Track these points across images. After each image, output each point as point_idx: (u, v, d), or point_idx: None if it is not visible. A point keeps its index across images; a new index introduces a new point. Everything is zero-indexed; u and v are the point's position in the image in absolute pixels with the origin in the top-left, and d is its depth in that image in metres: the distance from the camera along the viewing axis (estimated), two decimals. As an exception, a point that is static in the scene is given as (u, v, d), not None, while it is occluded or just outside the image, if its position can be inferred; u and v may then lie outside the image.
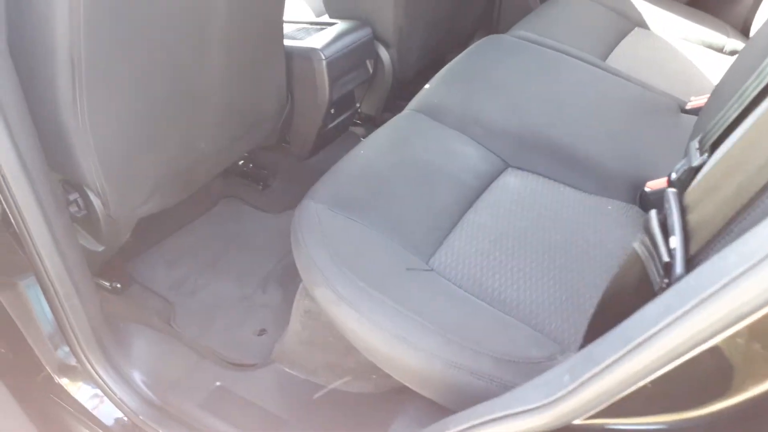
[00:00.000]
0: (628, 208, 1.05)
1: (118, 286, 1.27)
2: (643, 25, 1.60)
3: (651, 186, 1.04)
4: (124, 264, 1.32)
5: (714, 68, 1.46)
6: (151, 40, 0.92)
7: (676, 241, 0.51)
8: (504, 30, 1.51)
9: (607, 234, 0.99)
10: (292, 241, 0.93)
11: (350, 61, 1.39)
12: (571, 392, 0.48)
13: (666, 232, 0.52)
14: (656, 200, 1.03)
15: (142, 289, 1.30)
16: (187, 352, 1.18)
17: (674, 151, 1.15)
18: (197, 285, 1.32)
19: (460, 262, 0.90)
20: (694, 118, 1.24)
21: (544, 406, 0.50)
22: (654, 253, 0.54)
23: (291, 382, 1.11)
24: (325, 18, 1.51)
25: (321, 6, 1.54)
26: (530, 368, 0.75)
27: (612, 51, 1.47)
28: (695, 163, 0.90)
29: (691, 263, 0.49)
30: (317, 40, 1.33)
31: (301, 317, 1.05)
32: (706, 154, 0.89)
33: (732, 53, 1.54)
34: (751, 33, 1.56)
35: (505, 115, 1.17)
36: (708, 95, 1.24)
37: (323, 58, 1.30)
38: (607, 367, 0.45)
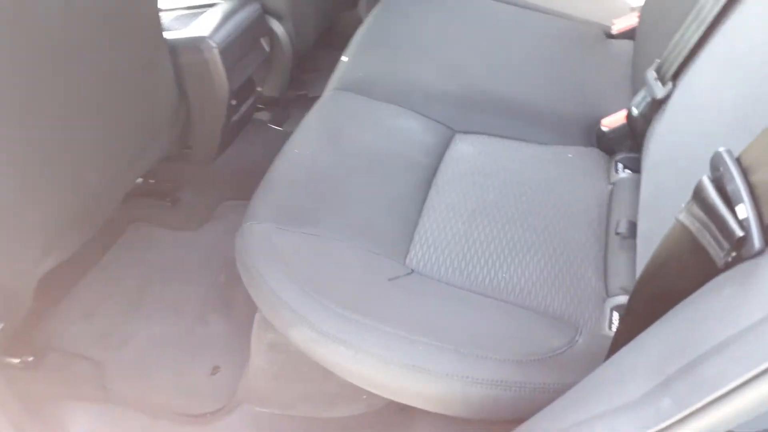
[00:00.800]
0: (588, 151, 0.98)
1: (30, 359, 1.06)
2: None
3: (607, 124, 0.98)
4: (32, 331, 1.11)
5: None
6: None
7: (746, 210, 0.43)
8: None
9: (577, 185, 0.92)
10: (242, 274, 0.78)
11: (244, 44, 1.21)
12: (680, 422, 0.40)
13: (727, 200, 0.44)
14: (616, 138, 0.98)
15: (61, 356, 1.10)
16: (135, 416, 1.01)
17: (616, 82, 1.09)
18: (125, 333, 1.13)
19: (438, 253, 0.80)
20: (623, 43, 1.19)
21: None
22: (712, 225, 0.46)
23: (268, 422, 0.98)
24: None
25: (193, -15, 1.32)
26: (555, 361, 0.67)
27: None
28: (659, 95, 0.84)
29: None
30: (202, 27, 1.13)
31: (266, 352, 0.91)
32: (670, 84, 0.83)
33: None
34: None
35: (440, 77, 1.05)
36: (634, 16, 1.19)
37: (214, 45, 1.11)
38: (736, 389, 0.36)
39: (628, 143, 0.95)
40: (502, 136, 0.98)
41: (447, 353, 0.66)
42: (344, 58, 1.10)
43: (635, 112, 0.90)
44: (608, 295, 0.76)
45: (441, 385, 0.65)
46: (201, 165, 1.33)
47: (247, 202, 0.85)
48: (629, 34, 1.18)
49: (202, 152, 1.29)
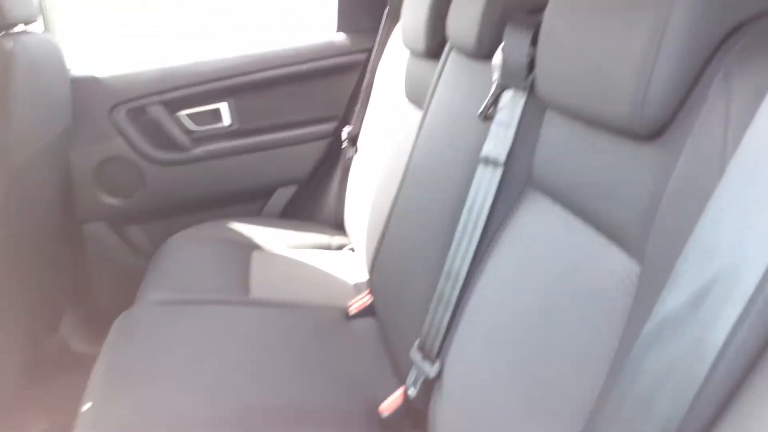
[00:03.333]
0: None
1: None
2: (257, 248, 1.60)
3: (386, 409, 0.97)
4: None
5: (335, 263, 1.55)
6: None
7: None
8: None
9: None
10: None
11: None
12: None
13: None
14: (396, 422, 0.97)
15: None
16: None
17: (369, 366, 1.13)
18: None
19: None
20: (363, 322, 1.26)
21: None
22: None
23: None
24: None
25: None
26: None
27: (250, 283, 1.41)
28: (432, 373, 0.88)
29: None
30: None
31: None
32: (439, 362, 0.88)
33: (340, 247, 1.68)
34: (347, 226, 1.74)
35: (203, 405, 0.94)
36: (365, 293, 1.29)
37: None
38: None
39: (409, 424, 0.96)
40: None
41: None
42: (86, 406, 0.92)
43: (412, 391, 0.92)
44: None
45: None
46: None
47: None
48: (368, 311, 1.26)
49: None
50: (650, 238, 0.54)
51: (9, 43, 1.17)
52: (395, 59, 1.59)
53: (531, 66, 0.84)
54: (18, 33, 1.27)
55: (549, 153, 0.79)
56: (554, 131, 0.79)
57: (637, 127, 0.58)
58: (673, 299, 0.43)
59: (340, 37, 1.86)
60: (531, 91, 0.84)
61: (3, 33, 1.22)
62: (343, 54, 1.84)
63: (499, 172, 0.87)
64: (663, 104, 0.56)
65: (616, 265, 0.60)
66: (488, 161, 0.88)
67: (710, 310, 0.41)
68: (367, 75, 1.75)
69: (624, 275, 0.58)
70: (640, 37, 0.57)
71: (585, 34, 0.66)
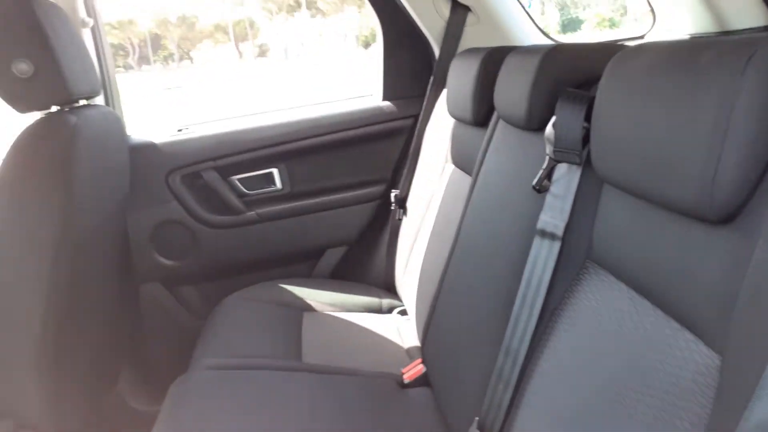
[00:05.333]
0: None
1: None
2: (308, 309, 1.62)
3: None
4: None
5: (386, 327, 1.55)
6: None
7: None
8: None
9: None
10: None
11: None
12: None
13: None
14: None
15: None
16: None
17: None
18: None
19: None
20: (417, 392, 1.24)
21: None
22: None
23: None
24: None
25: None
26: None
27: (302, 347, 1.42)
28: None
29: None
30: None
31: None
32: (496, 441, 0.86)
33: (390, 309, 1.68)
34: (398, 288, 1.74)
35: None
36: (418, 361, 1.28)
37: None
38: None
39: None
40: None
41: None
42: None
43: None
44: None
45: None
46: None
47: None
48: (422, 381, 1.25)
49: None
50: (730, 329, 0.52)
51: (73, 118, 1.24)
52: (441, 124, 1.62)
53: (585, 139, 0.84)
54: (81, 107, 1.35)
55: (610, 228, 0.78)
56: (614, 205, 0.78)
57: (706, 212, 0.56)
58: (763, 409, 0.41)
59: (387, 104, 1.92)
60: (586, 163, 0.84)
61: (68, 108, 1.30)
62: (390, 120, 1.89)
63: (557, 245, 0.86)
64: (734, 189, 0.53)
65: (692, 355, 0.57)
66: (545, 234, 0.88)
67: None
68: (414, 140, 1.79)
69: (702, 367, 0.55)
70: (706, 119, 0.55)
71: (643, 111, 0.66)
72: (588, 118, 0.82)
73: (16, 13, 1.14)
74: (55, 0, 1.53)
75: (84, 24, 1.68)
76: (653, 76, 0.66)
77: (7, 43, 1.14)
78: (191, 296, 1.87)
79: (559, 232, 0.86)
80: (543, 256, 0.87)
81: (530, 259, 0.89)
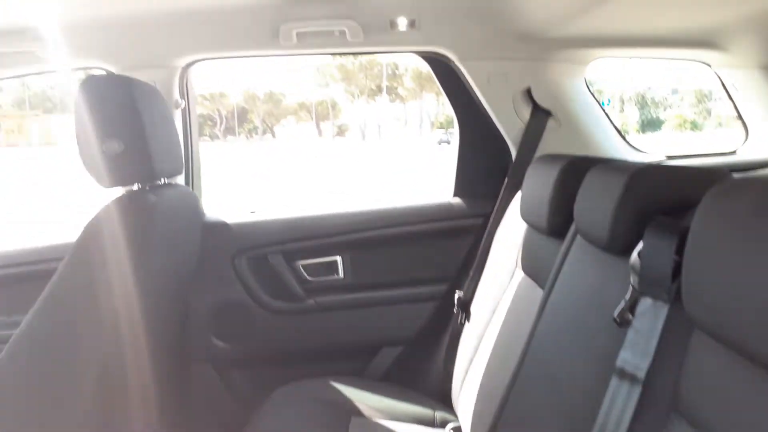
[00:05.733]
0: None
1: None
2: (356, 413, 1.53)
3: None
4: None
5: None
6: None
7: None
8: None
9: None
10: None
11: None
12: None
13: None
14: None
15: None
16: None
17: None
18: None
19: None
20: None
21: None
22: None
23: None
24: None
25: None
26: None
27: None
28: None
29: None
30: None
31: None
32: None
33: (443, 423, 1.57)
34: (453, 401, 1.63)
35: None
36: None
37: None
38: None
39: None
40: None
41: None
42: None
43: None
44: None
45: None
46: None
47: None
48: None
49: None
50: None
51: (152, 197, 1.27)
52: (512, 228, 1.56)
53: (675, 274, 0.76)
54: (162, 186, 1.39)
55: (700, 380, 0.69)
56: (706, 353, 0.69)
57: None
58: None
59: (458, 201, 1.88)
60: (676, 300, 0.76)
61: (149, 186, 1.33)
62: (459, 218, 1.85)
63: (637, 389, 0.77)
64: None
65: None
66: (624, 374, 0.79)
67: None
68: (483, 241, 1.73)
69: None
70: None
71: (745, 255, 0.59)
72: (679, 250, 0.75)
73: (114, 94, 1.19)
74: (153, 82, 1.63)
75: (177, 105, 1.76)
76: (760, 216, 0.59)
77: (103, 122, 1.19)
78: (240, 381, 1.83)
79: (641, 374, 0.77)
80: (621, 400, 0.78)
81: (606, 399, 0.80)
